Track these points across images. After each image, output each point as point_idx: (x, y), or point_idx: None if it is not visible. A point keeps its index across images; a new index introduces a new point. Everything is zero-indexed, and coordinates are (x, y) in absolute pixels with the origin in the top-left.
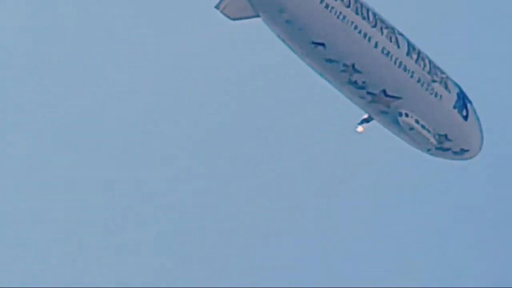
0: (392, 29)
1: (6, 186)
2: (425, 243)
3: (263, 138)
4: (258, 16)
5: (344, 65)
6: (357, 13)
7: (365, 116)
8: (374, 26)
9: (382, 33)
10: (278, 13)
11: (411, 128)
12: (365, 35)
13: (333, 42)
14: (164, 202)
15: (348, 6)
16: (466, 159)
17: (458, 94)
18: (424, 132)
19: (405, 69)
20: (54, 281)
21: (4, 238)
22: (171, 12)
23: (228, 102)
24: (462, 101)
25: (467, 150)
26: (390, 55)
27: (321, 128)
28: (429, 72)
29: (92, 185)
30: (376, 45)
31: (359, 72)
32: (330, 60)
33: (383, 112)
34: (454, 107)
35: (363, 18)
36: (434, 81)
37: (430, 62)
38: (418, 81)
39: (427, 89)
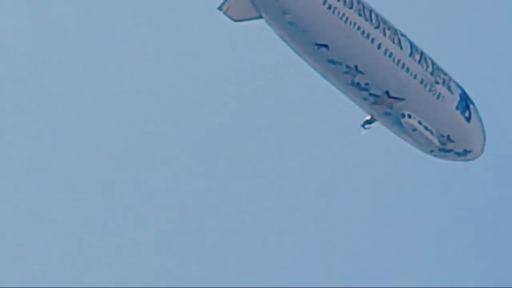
0: (395, 30)
1: (6, 186)
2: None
3: (264, 138)
4: (261, 17)
5: (347, 66)
6: (360, 15)
7: (368, 117)
8: (377, 27)
9: (385, 34)
10: (281, 15)
11: (414, 129)
12: (368, 36)
13: (336, 43)
14: (164, 202)
15: (351, 7)
16: (469, 160)
17: (460, 95)
18: (427, 133)
19: (408, 71)
20: (54, 281)
21: (4, 238)
22: (174, 13)
23: (230, 102)
24: (465, 102)
25: (469, 151)
26: (393, 57)
27: (323, 129)
28: (431, 73)
29: (92, 185)
30: (379, 47)
31: (362, 73)
32: (333, 62)
33: (386, 114)
34: (457, 108)
35: (366, 19)
36: (437, 82)
37: (432, 63)
38: (421, 82)
39: (430, 91)
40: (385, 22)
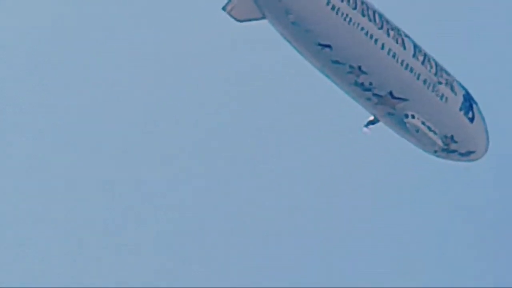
0: (398, 31)
1: (6, 186)
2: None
3: (266, 138)
4: (264, 17)
5: (351, 66)
6: (363, 15)
7: (371, 118)
8: (381, 27)
9: (389, 34)
10: (284, 15)
11: (417, 130)
12: (371, 36)
13: (339, 43)
14: (164, 202)
15: (355, 8)
16: (472, 160)
17: (464, 96)
18: (430, 134)
19: (411, 71)
20: (54, 281)
21: (4, 238)
22: (177, 13)
23: (232, 102)
24: (468, 103)
25: (473, 152)
26: (396, 57)
27: (326, 129)
28: (435, 74)
29: (92, 185)
30: (382, 47)
31: (365, 73)
32: (336, 62)
33: (389, 114)
34: (460, 109)
35: (370, 20)
36: (440, 83)
37: (436, 64)
38: (424, 83)
39: (433, 91)
40: (388, 22)
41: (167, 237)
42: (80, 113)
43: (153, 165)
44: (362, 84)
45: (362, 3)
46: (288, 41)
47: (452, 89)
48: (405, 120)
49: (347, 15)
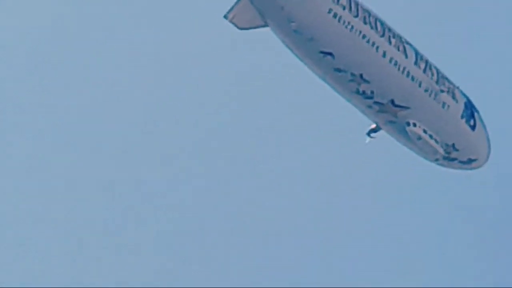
0: (400, 39)
1: (6, 186)
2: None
3: (268, 145)
4: (266, 25)
5: (352, 74)
6: (365, 23)
7: (373, 126)
8: (382, 35)
9: (390, 42)
10: (286, 23)
11: (419, 138)
12: (373, 44)
13: (341, 51)
14: (164, 202)
15: (356, 16)
16: (474, 168)
17: (465, 104)
18: (432, 142)
19: (413, 79)
20: (54, 281)
21: (4, 238)
22: (180, 21)
23: (235, 109)
24: (470, 110)
25: (474, 160)
26: (398, 65)
27: (328, 137)
28: (437, 82)
29: (92, 185)
30: (384, 55)
31: (367, 81)
32: (338, 70)
33: (390, 122)
34: (462, 117)
35: (371, 28)
36: (442, 91)
37: (438, 71)
38: (426, 90)
39: (435, 99)
40: (390, 30)
41: (167, 237)
42: (80, 113)
43: (153, 165)
44: (363, 92)
45: (364, 10)
46: (290, 49)
47: (453, 97)
48: (407, 128)
49: (348, 23)
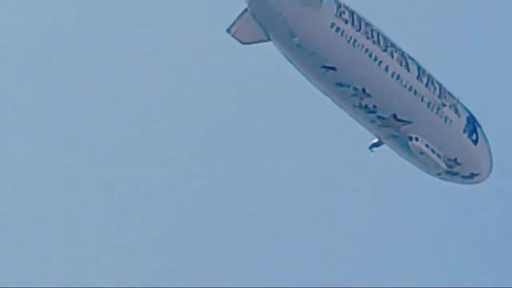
0: (402, 53)
1: (6, 186)
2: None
3: (269, 161)
4: (269, 40)
5: (355, 89)
6: (367, 37)
7: (375, 140)
8: (385, 50)
9: (393, 57)
10: (289, 37)
11: (421, 152)
12: (375, 59)
13: (343, 66)
14: (164, 202)
15: (359, 30)
16: (476, 183)
17: (468, 119)
18: (434, 156)
19: (415, 93)
20: (54, 281)
21: (4, 238)
22: (183, 35)
23: (239, 125)
24: (472, 125)
25: (476, 174)
26: (400, 79)
27: (330, 151)
28: (439, 96)
29: (92, 185)
30: (386, 69)
31: (369, 96)
32: (340, 84)
33: (393, 136)
34: (464, 131)
35: (374, 42)
36: (444, 105)
37: (440, 86)
38: (428, 105)
39: (437, 113)
40: (392, 44)
41: (167, 237)
42: (80, 113)
43: (153, 165)
44: (366, 106)
45: (367, 25)
46: (293, 63)
47: (456, 111)
48: (409, 142)
49: (351, 37)
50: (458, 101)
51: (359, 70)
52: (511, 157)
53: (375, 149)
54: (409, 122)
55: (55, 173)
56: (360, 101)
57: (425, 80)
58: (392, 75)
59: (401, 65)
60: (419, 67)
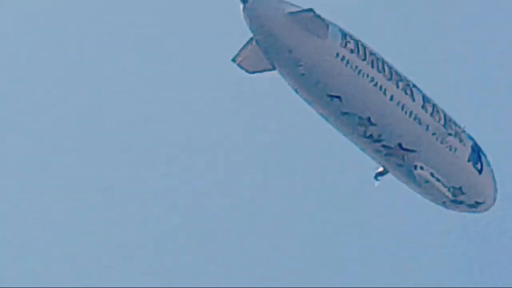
0: (407, 82)
1: (6, 186)
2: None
3: (272, 190)
4: (274, 69)
5: (360, 118)
6: (372, 66)
7: (380, 169)
8: (390, 79)
9: (398, 86)
10: (294, 66)
11: (426, 181)
12: (380, 88)
13: (348, 95)
14: (164, 202)
15: (364, 59)
16: (480, 211)
17: (472, 147)
18: (439, 185)
19: (420, 122)
20: (54, 281)
21: (4, 238)
22: (188, 65)
23: (243, 151)
24: (477, 154)
25: (481, 203)
26: (405, 108)
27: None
28: (444, 125)
29: (92, 185)
30: (391, 98)
31: (374, 125)
32: (345, 113)
33: (398, 165)
34: (469, 160)
35: (379, 71)
36: (449, 134)
37: (445, 115)
38: (433, 134)
39: (442, 142)
40: (397, 73)
41: (167, 237)
42: (80, 113)
43: (153, 165)
44: (371, 135)
45: (371, 53)
46: (298, 93)
47: (460, 140)
48: (414, 171)
49: (356, 66)
50: (463, 130)
51: (364, 99)
52: None
53: (380, 178)
54: (414, 151)
55: (55, 173)
56: (365, 130)
57: (430, 109)
58: (397, 104)
59: (406, 94)
60: (424, 96)
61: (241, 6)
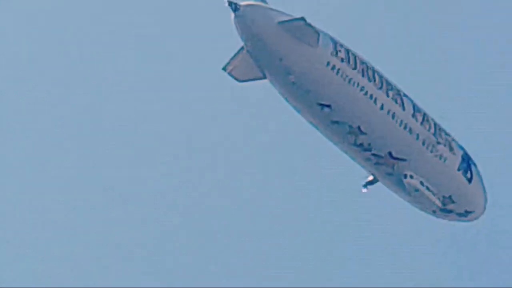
0: (398, 91)
1: (6, 186)
2: None
3: (263, 198)
4: (264, 77)
5: (350, 127)
6: (363, 75)
7: (370, 177)
8: (380, 88)
9: (388, 95)
10: (284, 75)
11: (416, 190)
12: (371, 96)
13: (339, 104)
14: (164, 202)
15: (355, 68)
16: (470, 220)
17: (462, 156)
18: (429, 194)
19: (410, 131)
20: (54, 281)
21: (4, 238)
22: (179, 74)
23: (233, 160)
24: (467, 163)
25: (471, 212)
26: (395, 117)
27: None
28: (434, 134)
29: (92, 185)
30: (382, 107)
31: (364, 134)
32: (336, 122)
33: (388, 174)
34: (459, 169)
35: (369, 80)
36: (439, 143)
37: (435, 124)
38: (423, 143)
39: (432, 151)
40: (388, 82)
41: (167, 237)
42: (80, 113)
43: (153, 165)
44: (361, 144)
45: (362, 63)
46: (288, 101)
47: (450, 149)
48: (404, 180)
49: (347, 75)
50: (453, 139)
51: (355, 108)
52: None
53: (369, 186)
54: (404, 160)
55: (55, 173)
56: (356, 139)
57: (420, 118)
58: (388, 113)
59: (396, 103)
60: (414, 105)
61: (232, 14)
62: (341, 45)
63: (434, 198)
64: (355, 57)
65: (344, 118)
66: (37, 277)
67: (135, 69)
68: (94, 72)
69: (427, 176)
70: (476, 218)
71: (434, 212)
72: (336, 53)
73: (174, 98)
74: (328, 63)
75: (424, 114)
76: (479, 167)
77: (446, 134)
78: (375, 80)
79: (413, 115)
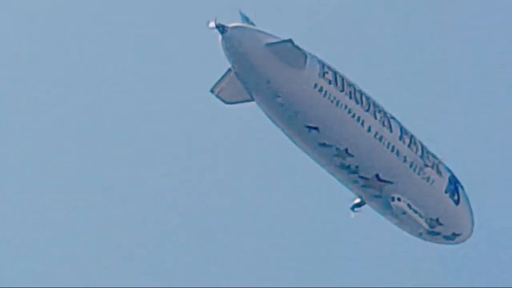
0: (385, 113)
1: (6, 186)
2: None
3: (251, 222)
4: (252, 100)
5: (337, 149)
6: (350, 97)
7: (357, 200)
8: (367, 110)
9: (375, 117)
10: (272, 97)
11: (403, 213)
12: (358, 119)
13: (326, 126)
14: (164, 202)
15: (342, 91)
16: (457, 243)
17: (449, 179)
18: (416, 216)
19: (397, 154)
20: (54, 281)
21: (4, 238)
22: (166, 94)
23: (221, 181)
24: (454, 185)
25: (458, 234)
26: (383, 140)
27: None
28: (421, 157)
29: (92, 185)
30: (369, 130)
31: (352, 156)
32: (323, 144)
33: (375, 196)
34: (446, 191)
35: (357, 102)
36: (426, 165)
37: (422, 146)
38: (411, 165)
39: (419, 174)
40: (375, 105)
41: (167, 237)
42: (80, 113)
43: (153, 165)
44: (348, 166)
45: (349, 85)
46: (276, 123)
47: (438, 171)
48: (391, 203)
49: (334, 97)
50: (440, 161)
51: (342, 130)
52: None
53: (357, 209)
54: (392, 182)
55: (55, 173)
56: (343, 161)
57: (407, 140)
58: (375, 135)
59: (383, 125)
60: (401, 128)
61: (220, 36)
62: (329, 67)
63: (421, 221)
64: (342, 79)
65: (332, 141)
66: (37, 277)
67: (135, 69)
68: (94, 72)
69: (414, 198)
70: (463, 241)
71: (421, 234)
72: (324, 75)
73: (161, 119)
74: (315, 85)
75: (412, 137)
76: (466, 190)
77: (434, 156)
78: (362, 103)
79: (401, 138)
